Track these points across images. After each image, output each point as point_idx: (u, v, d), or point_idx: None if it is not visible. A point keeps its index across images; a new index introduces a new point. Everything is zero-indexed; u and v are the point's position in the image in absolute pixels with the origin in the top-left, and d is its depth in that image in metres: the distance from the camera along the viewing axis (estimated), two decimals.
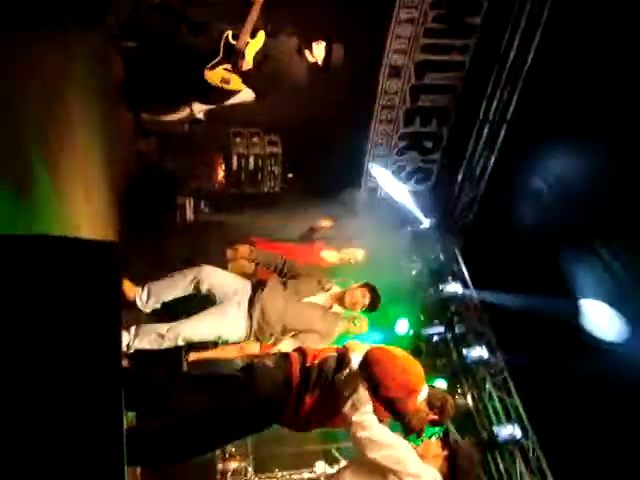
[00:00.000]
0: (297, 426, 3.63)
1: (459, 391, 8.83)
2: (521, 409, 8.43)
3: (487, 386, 8.72)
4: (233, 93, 6.25)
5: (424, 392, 3.42)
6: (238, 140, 7.72)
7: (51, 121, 3.16)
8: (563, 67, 6.98)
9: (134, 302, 4.63)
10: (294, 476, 6.20)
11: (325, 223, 7.14)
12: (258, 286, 4.87)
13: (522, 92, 7.97)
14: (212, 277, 4.81)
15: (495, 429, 8.45)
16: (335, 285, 5.14)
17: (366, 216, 7.66)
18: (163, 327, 4.55)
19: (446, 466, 3.32)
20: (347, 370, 3.39)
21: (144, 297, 4.66)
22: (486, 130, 8.51)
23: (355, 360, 3.44)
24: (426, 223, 8.95)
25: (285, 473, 6.25)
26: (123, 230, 4.75)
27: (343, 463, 5.67)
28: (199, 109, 6.44)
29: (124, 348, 4.32)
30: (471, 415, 8.82)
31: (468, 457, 3.42)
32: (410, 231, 8.93)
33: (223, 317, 4.71)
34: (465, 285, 8.90)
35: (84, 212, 3.78)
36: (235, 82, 5.87)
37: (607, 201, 6.82)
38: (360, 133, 8.39)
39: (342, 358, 3.49)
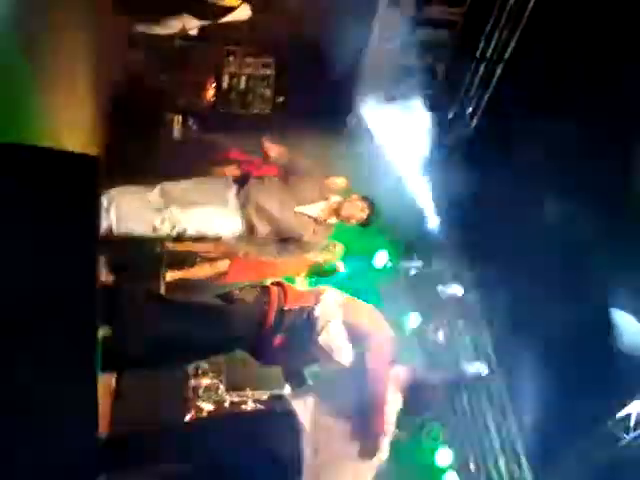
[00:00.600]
0: (262, 359, 3.72)
1: (431, 326, 9.00)
2: (490, 349, 8.62)
3: (459, 323, 8.89)
4: (229, 10, 6.12)
5: None
6: (231, 59, 7.59)
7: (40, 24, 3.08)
8: (566, 11, 6.86)
9: None
10: (264, 396, 6.35)
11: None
12: (245, 180, 4.50)
13: (522, 33, 7.86)
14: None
15: (463, 366, 8.64)
16: (335, 195, 4.78)
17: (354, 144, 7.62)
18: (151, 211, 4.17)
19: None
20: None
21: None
22: (482, 68, 8.41)
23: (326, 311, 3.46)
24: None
25: (255, 392, 6.39)
26: (106, 141, 4.69)
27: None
28: (192, 25, 6.31)
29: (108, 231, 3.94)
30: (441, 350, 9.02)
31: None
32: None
33: (215, 211, 4.35)
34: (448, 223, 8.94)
35: (68, 118, 3.74)
36: None
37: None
38: (354, 61, 8.25)
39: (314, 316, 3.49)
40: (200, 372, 6.39)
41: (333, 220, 4.69)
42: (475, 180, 8.54)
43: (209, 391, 6.32)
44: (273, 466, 3.15)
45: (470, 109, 8.82)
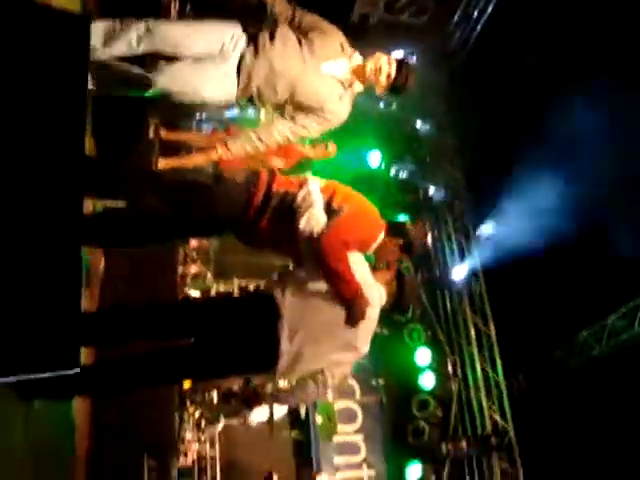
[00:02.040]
0: (249, 242, 3.69)
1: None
2: (476, 253, 8.75)
3: (448, 228, 8.98)
4: None
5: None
6: None
7: None
8: None
9: None
10: (250, 285, 6.45)
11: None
12: (256, 34, 3.58)
13: None
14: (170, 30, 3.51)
15: (449, 268, 8.78)
16: (357, 53, 3.80)
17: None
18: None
19: (394, 287, 3.67)
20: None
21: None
22: None
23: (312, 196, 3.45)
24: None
25: (242, 281, 6.49)
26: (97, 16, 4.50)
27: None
28: None
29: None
30: (429, 253, 9.13)
31: (412, 282, 3.93)
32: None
33: (209, 71, 3.55)
34: (440, 127, 8.90)
35: None
36: None
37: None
38: None
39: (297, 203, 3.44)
40: (188, 260, 6.47)
41: (357, 87, 3.80)
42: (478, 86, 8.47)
43: (197, 278, 6.42)
44: (250, 347, 3.26)
45: (476, 13, 8.63)
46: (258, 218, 3.41)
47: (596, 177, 6.78)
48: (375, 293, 3.46)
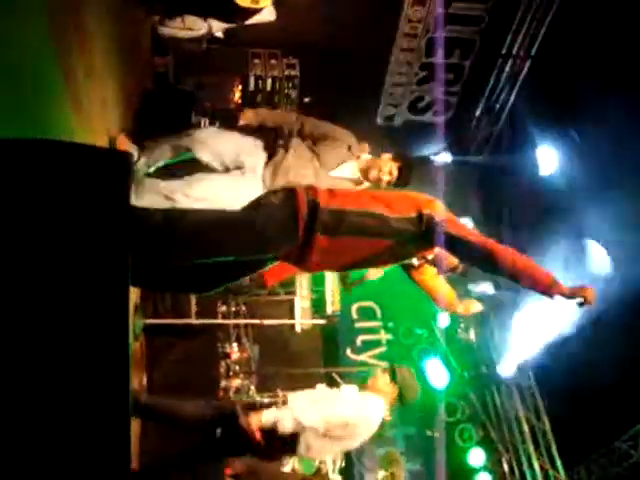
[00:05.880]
0: (299, 263, 3.21)
1: (462, 325, 8.93)
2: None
3: (490, 322, 8.84)
4: (256, 12, 6.13)
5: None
6: (256, 61, 7.62)
7: (67, 31, 3.11)
8: (592, 6, 6.78)
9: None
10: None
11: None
12: (274, 146, 4.06)
13: (549, 29, 7.79)
14: (212, 142, 4.12)
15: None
16: (367, 152, 4.28)
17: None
18: (169, 185, 3.96)
19: (394, 397, 4.47)
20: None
21: (135, 155, 4.11)
22: (509, 65, 8.36)
23: None
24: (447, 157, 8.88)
25: (286, 393, 6.37)
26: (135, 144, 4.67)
27: (343, 386, 5.81)
28: (218, 27, 6.33)
29: None
30: (472, 349, 8.97)
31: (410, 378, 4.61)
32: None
33: (238, 182, 3.98)
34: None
35: (97, 124, 3.76)
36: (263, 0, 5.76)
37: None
38: (380, 61, 8.26)
39: None
40: (231, 373, 6.41)
41: (367, 184, 4.19)
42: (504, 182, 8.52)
43: (240, 392, 6.34)
44: None
45: (497, 107, 8.77)
46: (311, 231, 2.95)
47: None
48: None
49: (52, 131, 2.78)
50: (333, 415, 4.36)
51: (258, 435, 4.28)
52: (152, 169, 4.17)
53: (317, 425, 4.31)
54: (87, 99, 3.45)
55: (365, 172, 4.14)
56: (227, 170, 4.13)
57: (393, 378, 4.55)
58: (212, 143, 4.15)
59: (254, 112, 4.51)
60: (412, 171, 4.18)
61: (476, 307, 4.55)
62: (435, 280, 4.09)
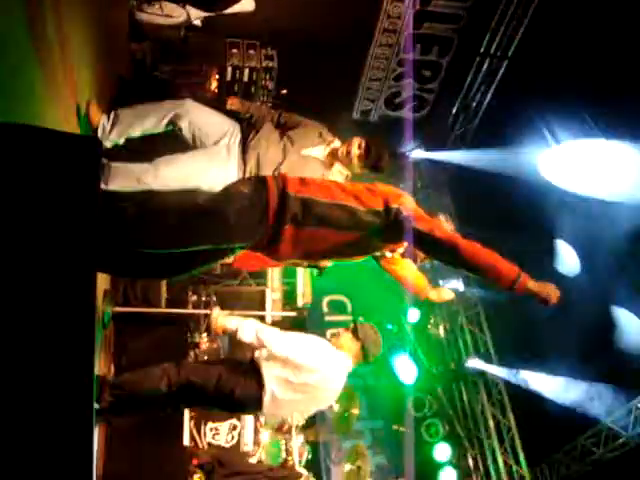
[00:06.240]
0: (269, 253, 3.23)
1: (432, 321, 9.00)
2: (490, 344, 8.63)
3: (460, 319, 8.89)
4: (235, 1, 6.11)
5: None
6: (234, 51, 7.59)
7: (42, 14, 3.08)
8: (571, 7, 6.83)
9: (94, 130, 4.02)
10: None
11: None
12: (249, 130, 4.21)
13: (527, 29, 7.84)
14: (195, 113, 4.16)
15: (463, 360, 8.66)
16: (337, 140, 4.35)
17: None
18: (139, 168, 3.95)
19: (358, 353, 4.55)
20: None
21: (107, 125, 4.04)
22: (486, 64, 8.41)
23: None
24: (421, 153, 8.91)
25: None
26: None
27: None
28: (196, 15, 6.30)
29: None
30: (442, 345, 9.03)
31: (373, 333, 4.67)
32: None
33: (209, 161, 4.06)
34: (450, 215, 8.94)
35: (69, 108, 3.73)
36: None
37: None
38: (358, 55, 8.26)
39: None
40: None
41: (339, 168, 4.25)
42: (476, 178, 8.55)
43: None
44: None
45: (474, 105, 8.82)
46: (281, 223, 2.97)
47: None
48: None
49: (26, 107, 2.76)
50: (301, 355, 4.35)
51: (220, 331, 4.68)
52: (122, 140, 4.10)
53: (283, 355, 4.30)
54: (61, 76, 3.43)
55: (334, 152, 4.22)
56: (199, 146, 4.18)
57: (356, 333, 4.59)
58: (201, 114, 4.21)
59: (240, 100, 4.62)
60: (383, 151, 4.18)
61: (448, 294, 4.59)
62: (405, 268, 4.10)
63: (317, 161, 4.19)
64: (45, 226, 1.97)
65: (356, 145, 4.13)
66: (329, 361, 4.46)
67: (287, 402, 4.39)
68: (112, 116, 4.08)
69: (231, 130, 4.18)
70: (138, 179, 3.90)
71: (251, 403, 4.37)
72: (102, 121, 4.04)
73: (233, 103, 4.53)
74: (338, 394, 4.71)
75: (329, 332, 4.80)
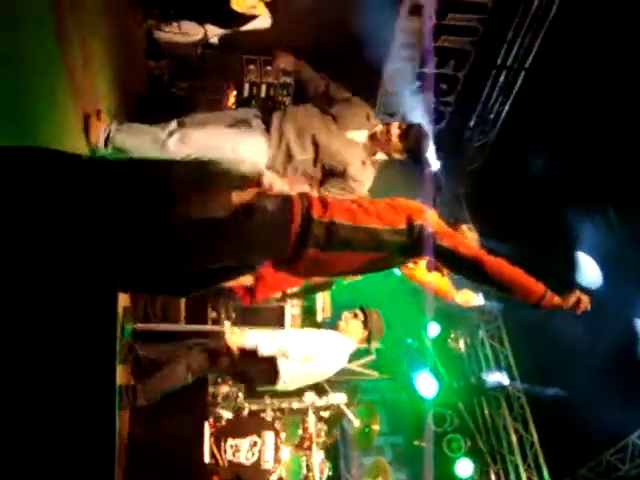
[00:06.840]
0: (285, 269, 3.21)
1: (452, 336, 8.94)
2: (511, 358, 8.55)
3: (480, 333, 8.83)
4: (252, 18, 6.13)
5: None
6: (251, 67, 7.62)
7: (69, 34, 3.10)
8: (588, 18, 6.81)
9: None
10: (283, 404, 6.29)
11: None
12: (274, 108, 4.27)
13: (543, 40, 7.81)
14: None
15: (484, 374, 8.58)
16: (381, 124, 4.24)
17: None
18: (161, 130, 3.81)
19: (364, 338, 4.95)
20: None
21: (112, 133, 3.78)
22: (503, 76, 8.38)
23: None
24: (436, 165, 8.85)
25: (274, 401, 6.34)
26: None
27: (332, 395, 5.83)
28: (214, 33, 6.33)
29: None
30: (462, 359, 8.96)
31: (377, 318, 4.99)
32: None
33: (240, 134, 3.96)
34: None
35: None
36: (260, 7, 5.78)
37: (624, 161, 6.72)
38: (375, 70, 8.26)
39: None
40: (219, 380, 6.37)
41: (379, 155, 4.17)
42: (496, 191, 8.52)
43: (228, 399, 6.29)
44: None
45: (491, 117, 8.80)
46: (303, 245, 2.92)
47: None
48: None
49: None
50: (312, 349, 4.84)
51: (236, 352, 4.72)
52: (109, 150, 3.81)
53: (300, 356, 4.76)
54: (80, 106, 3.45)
55: (375, 136, 4.12)
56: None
57: (365, 323, 4.97)
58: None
59: (293, 57, 4.57)
60: (422, 137, 4.10)
61: (476, 299, 4.50)
62: (427, 274, 4.06)
63: (360, 146, 4.11)
64: (65, 246, 1.99)
65: (396, 125, 4.11)
66: (335, 350, 4.91)
67: (295, 374, 4.78)
68: (115, 126, 3.85)
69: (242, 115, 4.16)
70: (162, 142, 3.79)
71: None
72: (111, 126, 3.82)
73: (284, 60, 4.52)
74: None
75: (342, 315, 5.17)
